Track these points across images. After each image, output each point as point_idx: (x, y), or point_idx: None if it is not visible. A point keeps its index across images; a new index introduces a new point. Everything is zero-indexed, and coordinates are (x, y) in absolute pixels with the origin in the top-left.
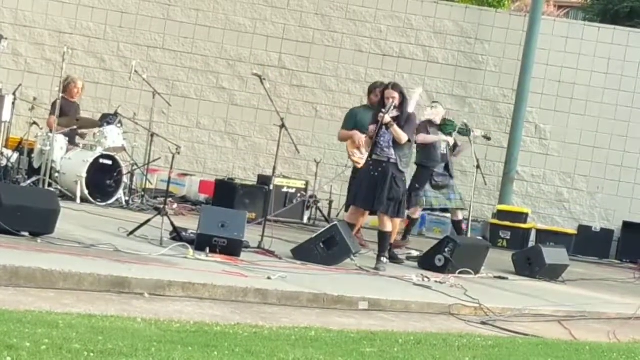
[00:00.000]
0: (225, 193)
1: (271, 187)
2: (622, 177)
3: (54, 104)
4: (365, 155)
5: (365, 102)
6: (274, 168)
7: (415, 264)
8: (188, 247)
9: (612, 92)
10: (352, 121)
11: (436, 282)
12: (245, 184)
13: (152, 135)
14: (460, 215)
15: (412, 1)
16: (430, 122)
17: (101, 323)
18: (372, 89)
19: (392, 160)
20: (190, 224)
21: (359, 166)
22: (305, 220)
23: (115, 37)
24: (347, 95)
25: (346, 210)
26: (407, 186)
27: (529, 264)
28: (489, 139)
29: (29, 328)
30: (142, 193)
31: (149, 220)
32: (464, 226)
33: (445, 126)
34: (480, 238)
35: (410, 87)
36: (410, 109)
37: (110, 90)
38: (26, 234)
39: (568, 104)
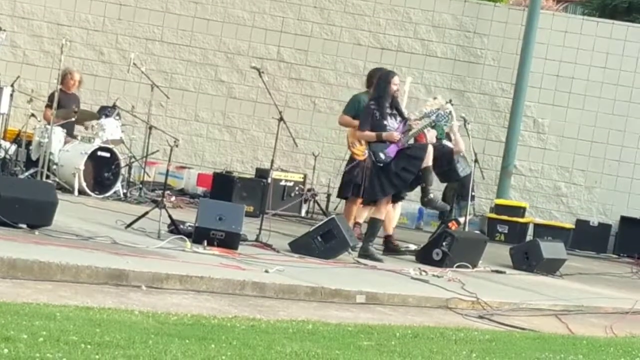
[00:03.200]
0: (223, 186)
1: (269, 180)
2: (619, 172)
3: (50, 96)
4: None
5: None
6: (272, 161)
7: (413, 257)
8: (186, 240)
9: (610, 86)
10: (354, 107)
11: (434, 276)
12: (243, 177)
13: (150, 128)
14: None
15: None
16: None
17: (98, 315)
18: (385, 77)
19: None
20: (188, 216)
21: (360, 158)
22: (303, 213)
23: (113, 30)
24: (345, 88)
25: (339, 197)
26: (455, 197)
27: (527, 258)
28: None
29: (26, 320)
30: (140, 186)
31: (146, 213)
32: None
33: (440, 134)
34: (478, 232)
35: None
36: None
37: (108, 83)
38: (24, 226)
39: (566, 98)
